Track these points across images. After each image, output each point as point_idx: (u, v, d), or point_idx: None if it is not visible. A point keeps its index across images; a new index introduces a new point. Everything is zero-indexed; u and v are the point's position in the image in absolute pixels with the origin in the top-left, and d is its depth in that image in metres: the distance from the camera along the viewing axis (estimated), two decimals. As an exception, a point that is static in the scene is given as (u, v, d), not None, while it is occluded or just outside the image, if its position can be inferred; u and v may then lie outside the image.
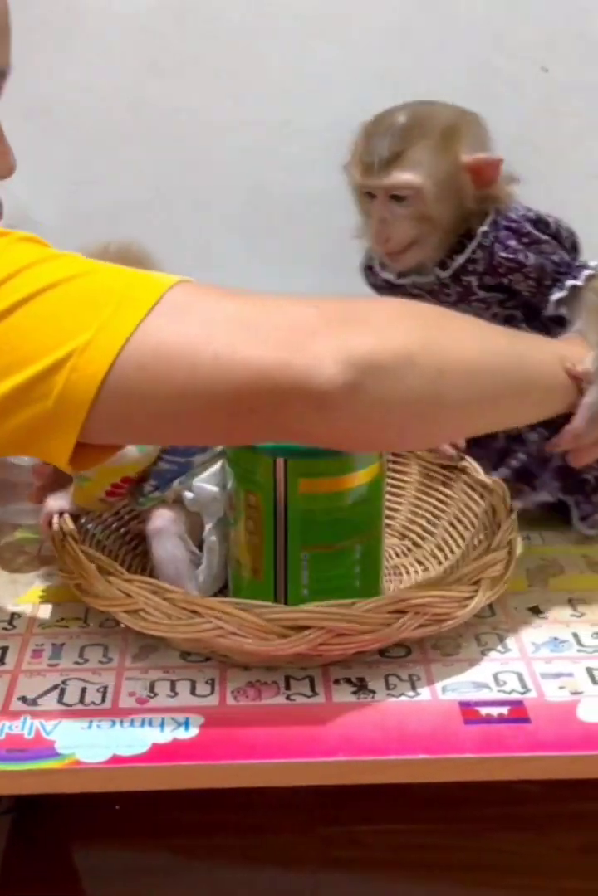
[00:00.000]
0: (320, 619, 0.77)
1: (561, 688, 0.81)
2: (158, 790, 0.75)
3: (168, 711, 0.78)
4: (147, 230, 1.21)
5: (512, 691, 0.81)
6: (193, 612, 0.78)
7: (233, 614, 0.77)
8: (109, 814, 1.08)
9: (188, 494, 0.89)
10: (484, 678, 0.82)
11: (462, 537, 0.96)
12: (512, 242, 0.94)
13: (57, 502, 0.91)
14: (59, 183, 1.17)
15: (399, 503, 1.04)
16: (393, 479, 1.04)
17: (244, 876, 1.14)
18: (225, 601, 0.79)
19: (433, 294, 0.99)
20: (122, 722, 0.77)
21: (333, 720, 0.78)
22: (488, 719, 0.78)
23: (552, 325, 0.95)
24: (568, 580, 0.95)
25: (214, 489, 0.90)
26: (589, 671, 0.83)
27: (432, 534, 1.00)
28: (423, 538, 1.01)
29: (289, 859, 1.15)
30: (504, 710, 0.79)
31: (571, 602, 0.92)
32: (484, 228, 0.95)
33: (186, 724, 0.77)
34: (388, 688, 0.81)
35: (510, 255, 0.94)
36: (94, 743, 0.75)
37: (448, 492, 0.99)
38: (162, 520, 0.89)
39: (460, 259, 0.96)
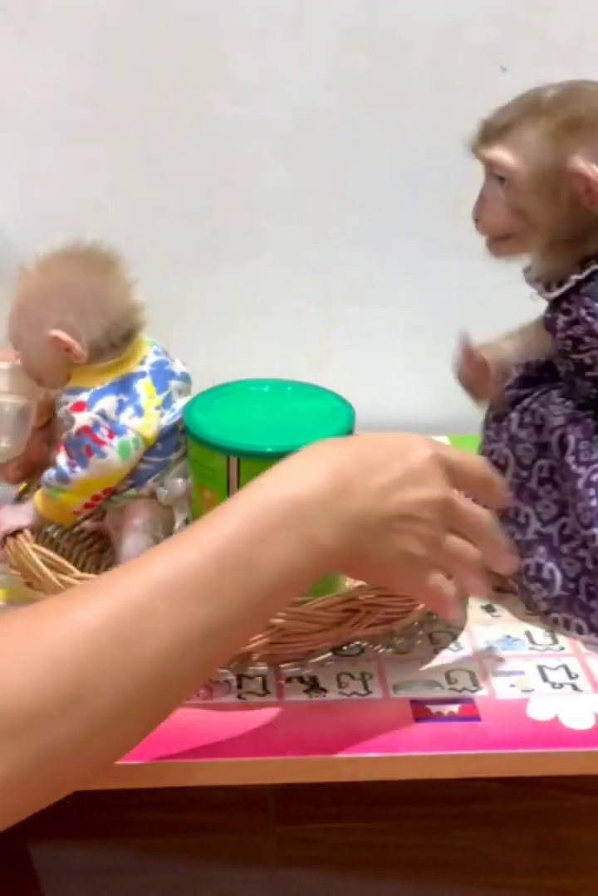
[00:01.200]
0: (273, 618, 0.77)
1: (512, 686, 0.82)
2: (114, 789, 0.75)
3: (118, 710, 0.78)
4: (105, 228, 1.21)
5: (463, 689, 0.81)
6: None
7: None
8: (66, 813, 1.08)
9: (162, 489, 0.89)
10: (436, 676, 0.83)
11: None
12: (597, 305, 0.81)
13: (13, 518, 0.87)
14: (14, 180, 1.16)
15: None
16: None
17: (201, 874, 1.14)
18: None
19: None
20: (71, 721, 0.77)
21: (283, 719, 0.78)
22: (439, 717, 0.79)
23: None
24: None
25: (187, 481, 0.89)
26: (540, 669, 0.84)
27: None
28: None
29: (246, 858, 1.14)
30: (455, 708, 0.79)
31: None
32: (580, 277, 0.82)
33: (136, 723, 0.77)
34: (340, 686, 0.81)
35: (589, 319, 0.82)
36: (42, 742, 0.74)
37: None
38: (139, 518, 0.88)
39: (557, 291, 0.84)
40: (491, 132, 0.84)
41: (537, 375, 0.90)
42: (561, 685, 0.82)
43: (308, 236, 1.20)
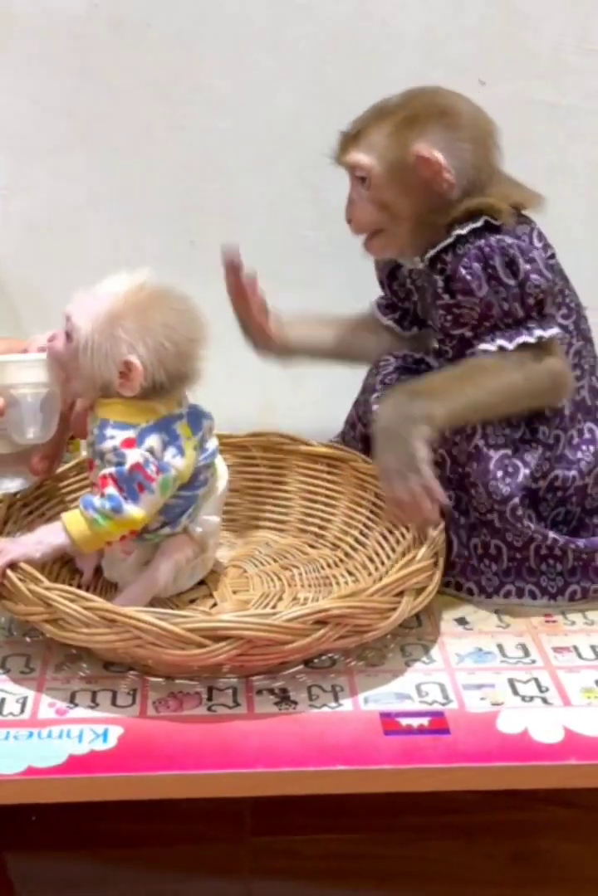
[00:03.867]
0: (240, 629, 0.77)
1: (482, 699, 0.82)
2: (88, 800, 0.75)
3: (87, 722, 0.78)
4: (82, 237, 1.22)
5: (434, 702, 0.81)
6: (112, 621, 0.78)
7: (151, 623, 0.77)
8: (41, 823, 1.08)
9: (195, 526, 0.90)
10: (407, 689, 0.83)
11: (393, 550, 0.96)
12: (476, 264, 0.89)
13: (18, 549, 0.85)
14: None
15: (333, 513, 1.04)
16: (327, 488, 1.04)
17: (176, 886, 1.14)
18: (143, 611, 0.79)
19: (421, 290, 0.98)
20: (39, 733, 0.77)
21: (253, 731, 0.78)
22: (409, 730, 0.79)
23: None
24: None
25: (217, 519, 0.92)
26: (511, 682, 0.84)
27: (363, 545, 1.00)
28: (355, 549, 1.01)
29: (221, 869, 1.14)
30: (425, 721, 0.79)
31: (497, 612, 0.93)
32: (461, 232, 0.90)
33: (105, 736, 0.77)
34: (310, 699, 0.81)
35: (468, 276, 0.89)
36: (10, 754, 0.74)
37: (382, 503, 0.98)
38: (181, 553, 0.90)
39: (430, 252, 0.92)
40: (347, 140, 0.94)
41: (414, 367, 0.98)
42: (531, 698, 0.82)
43: (286, 248, 1.21)
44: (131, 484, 0.84)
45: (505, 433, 0.92)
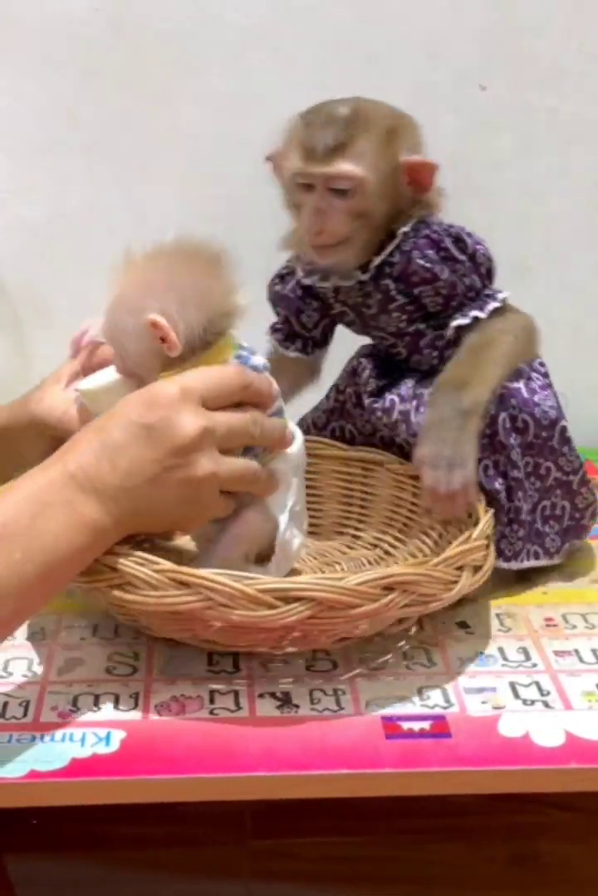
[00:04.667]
0: (311, 591, 0.77)
1: (484, 702, 0.82)
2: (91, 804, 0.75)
3: (90, 726, 0.78)
4: (82, 239, 1.22)
5: (435, 706, 0.82)
6: (182, 583, 0.77)
7: (223, 584, 0.76)
8: (42, 826, 1.08)
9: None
10: (408, 693, 0.83)
11: (436, 544, 0.96)
12: (430, 252, 0.92)
13: None
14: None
15: (369, 515, 1.03)
16: (363, 491, 1.04)
17: (176, 888, 1.14)
18: (215, 572, 0.78)
19: (356, 306, 0.98)
20: (42, 736, 0.77)
21: (255, 735, 0.78)
22: (410, 734, 0.79)
23: (451, 348, 0.94)
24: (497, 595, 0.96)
25: (285, 467, 0.88)
26: (512, 686, 0.84)
27: (404, 543, 1.00)
28: (395, 547, 1.00)
29: (221, 872, 1.14)
30: (426, 725, 0.79)
31: (498, 617, 0.93)
32: (405, 230, 0.93)
33: (107, 739, 0.77)
34: (312, 702, 0.81)
35: (426, 264, 0.92)
36: (13, 758, 0.74)
37: (419, 504, 0.98)
38: (247, 527, 0.86)
39: (377, 259, 0.94)
40: (329, 151, 0.91)
41: (389, 360, 0.99)
42: (533, 702, 0.82)
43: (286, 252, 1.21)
44: None
45: None
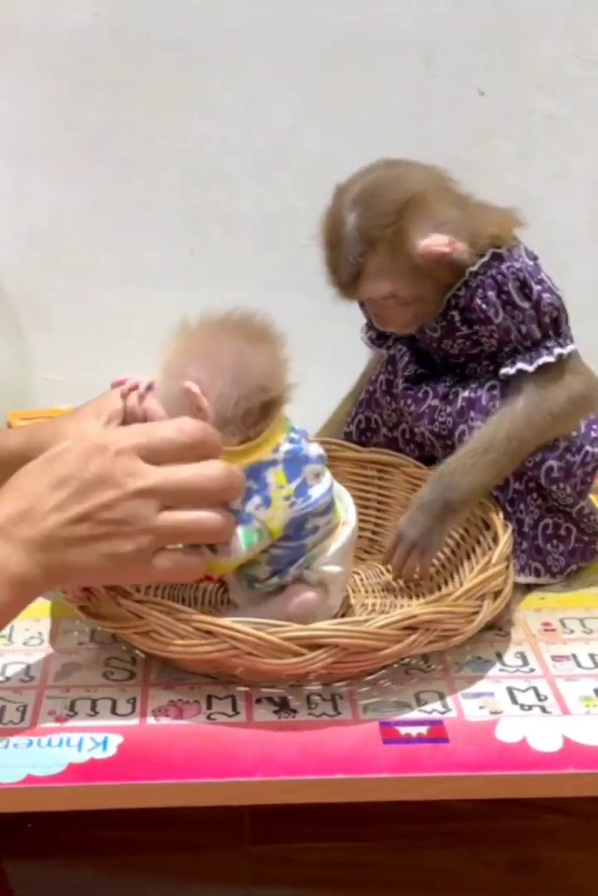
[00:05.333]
0: (335, 637, 0.78)
1: (481, 707, 0.82)
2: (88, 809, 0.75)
3: (87, 731, 0.78)
4: (83, 245, 1.23)
5: (433, 711, 0.82)
6: (208, 632, 0.77)
7: (248, 634, 0.77)
8: (41, 831, 1.08)
9: (310, 573, 0.85)
10: (406, 698, 0.83)
11: (454, 553, 0.96)
12: (491, 294, 0.91)
13: None
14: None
15: (386, 518, 1.03)
16: (379, 494, 1.04)
17: (175, 893, 1.13)
18: (239, 621, 0.78)
19: (421, 327, 0.97)
20: (39, 741, 0.77)
21: (252, 740, 0.78)
22: (408, 739, 0.79)
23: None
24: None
25: (339, 569, 0.86)
26: (510, 691, 0.84)
27: None
28: None
29: (220, 876, 1.14)
30: (423, 730, 0.79)
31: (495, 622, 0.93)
32: (474, 270, 0.92)
33: (105, 744, 0.77)
34: (309, 707, 0.81)
35: (484, 306, 0.92)
36: (10, 762, 0.74)
37: None
38: (309, 604, 0.85)
39: (447, 295, 0.93)
40: (349, 284, 0.92)
41: (426, 359, 1.00)
42: (530, 707, 0.82)
43: (286, 257, 1.21)
44: None
45: None
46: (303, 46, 1.16)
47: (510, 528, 0.91)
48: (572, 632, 0.92)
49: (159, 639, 0.78)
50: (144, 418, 0.85)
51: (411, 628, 0.79)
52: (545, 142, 1.21)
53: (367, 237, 0.90)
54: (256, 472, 0.82)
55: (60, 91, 1.16)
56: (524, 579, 0.96)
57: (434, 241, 0.90)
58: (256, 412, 0.82)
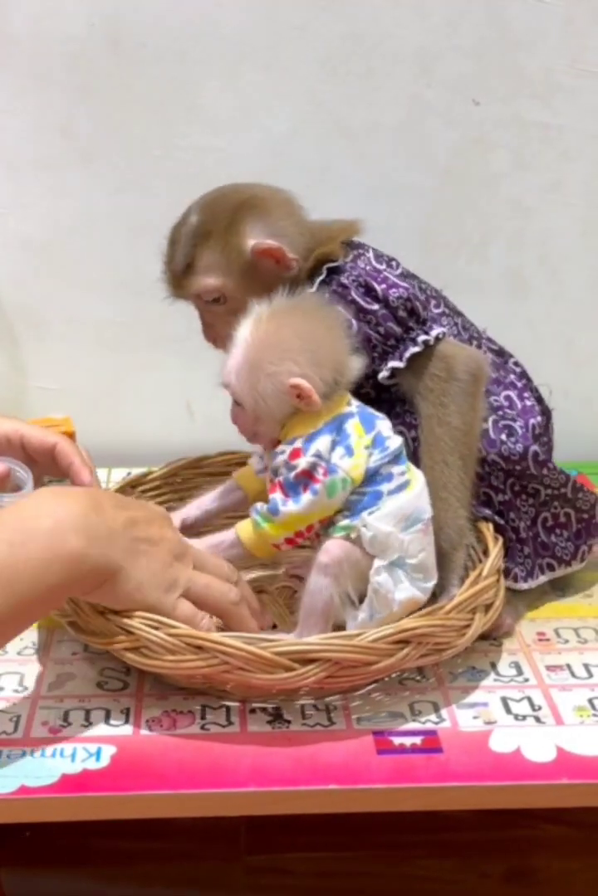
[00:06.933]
0: (327, 652, 0.78)
1: (475, 717, 0.82)
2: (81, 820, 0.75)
3: (80, 741, 0.78)
4: (78, 255, 1.23)
5: (427, 721, 0.82)
6: (198, 647, 0.78)
7: (239, 648, 0.77)
8: (37, 840, 1.08)
9: (366, 531, 0.84)
10: (400, 708, 0.83)
11: None
12: (339, 308, 0.90)
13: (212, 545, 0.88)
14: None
15: None
16: None
17: (170, 903, 1.13)
18: (230, 635, 0.79)
19: None
20: (32, 752, 0.77)
21: (246, 750, 0.78)
22: (402, 749, 0.79)
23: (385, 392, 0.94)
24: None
25: (390, 529, 0.85)
26: (504, 701, 0.84)
27: None
28: None
29: (216, 886, 1.14)
30: (417, 740, 0.79)
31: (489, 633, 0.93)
32: (313, 290, 0.91)
33: (98, 754, 0.77)
34: (303, 718, 0.81)
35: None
36: (3, 773, 0.74)
37: None
38: (329, 556, 0.84)
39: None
40: (180, 274, 0.93)
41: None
42: (524, 717, 0.82)
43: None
44: (296, 487, 0.84)
45: None
46: (299, 56, 1.16)
47: (501, 540, 0.91)
48: (566, 642, 0.92)
49: (150, 655, 0.78)
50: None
51: (403, 642, 0.80)
52: (540, 152, 1.21)
53: (201, 231, 0.92)
54: (338, 425, 0.86)
55: (56, 101, 1.16)
56: (533, 583, 0.95)
57: (268, 242, 0.90)
58: (338, 381, 0.86)
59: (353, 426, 0.86)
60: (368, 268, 0.92)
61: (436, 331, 0.92)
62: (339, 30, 1.16)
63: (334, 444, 0.85)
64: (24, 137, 1.17)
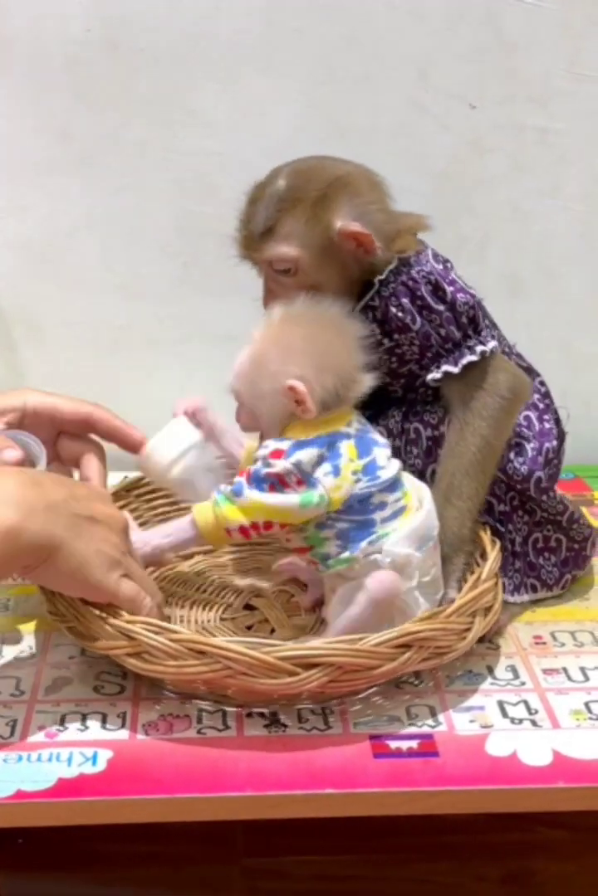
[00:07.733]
0: (330, 656, 0.78)
1: (472, 721, 0.82)
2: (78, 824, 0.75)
3: (77, 745, 0.78)
4: (76, 258, 1.23)
5: (423, 725, 0.82)
6: (201, 652, 0.77)
7: (242, 653, 0.77)
8: (33, 844, 1.07)
9: (381, 557, 0.84)
10: (397, 712, 0.83)
11: None
12: (405, 300, 0.90)
13: (152, 542, 0.88)
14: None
15: None
16: None
17: (168, 907, 1.13)
18: (233, 640, 0.79)
19: None
20: (29, 756, 0.77)
21: (243, 754, 0.78)
22: (398, 753, 0.79)
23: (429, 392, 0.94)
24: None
25: (410, 551, 0.85)
26: (500, 704, 0.84)
27: None
28: None
29: (212, 890, 1.14)
30: (414, 744, 0.80)
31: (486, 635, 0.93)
32: (382, 278, 0.91)
33: (94, 759, 0.77)
34: (300, 721, 0.82)
35: (399, 314, 0.90)
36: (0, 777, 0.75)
37: None
38: (383, 589, 0.83)
39: (357, 306, 0.91)
40: (259, 236, 0.91)
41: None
42: (521, 721, 0.82)
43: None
44: (262, 484, 0.84)
45: None
46: (297, 60, 1.16)
47: (498, 544, 0.91)
48: (563, 645, 0.92)
49: (152, 659, 0.78)
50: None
51: (405, 646, 0.80)
52: (537, 155, 1.21)
53: (289, 196, 0.90)
54: (331, 442, 0.85)
55: (54, 104, 1.16)
56: (519, 599, 0.96)
57: (355, 226, 0.88)
58: (342, 395, 0.86)
59: (346, 447, 0.85)
60: (438, 267, 0.92)
61: (491, 344, 0.91)
62: (336, 33, 1.17)
63: (321, 460, 0.84)
64: (22, 140, 1.17)
